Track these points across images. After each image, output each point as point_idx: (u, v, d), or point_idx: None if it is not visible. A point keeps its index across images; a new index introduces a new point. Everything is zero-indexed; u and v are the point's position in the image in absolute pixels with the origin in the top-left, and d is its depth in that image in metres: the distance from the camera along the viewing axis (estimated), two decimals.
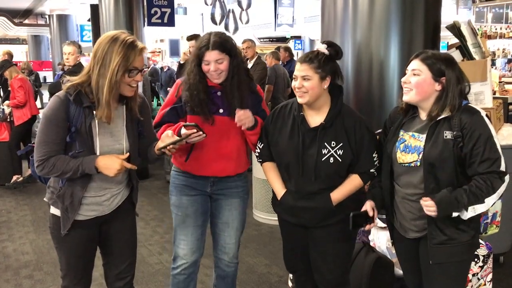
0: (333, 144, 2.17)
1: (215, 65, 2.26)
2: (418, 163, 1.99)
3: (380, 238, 3.01)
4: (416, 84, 1.99)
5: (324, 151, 2.16)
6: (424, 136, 2.01)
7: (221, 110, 2.34)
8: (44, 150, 1.95)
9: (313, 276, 2.41)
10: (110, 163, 1.95)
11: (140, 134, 2.17)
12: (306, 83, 2.12)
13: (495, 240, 2.96)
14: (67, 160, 1.94)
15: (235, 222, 2.52)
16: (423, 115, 2.05)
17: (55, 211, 2.09)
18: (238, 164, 2.45)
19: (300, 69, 2.14)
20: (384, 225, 2.95)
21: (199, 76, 2.30)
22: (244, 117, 2.26)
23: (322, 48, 2.17)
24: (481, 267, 2.75)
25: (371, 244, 3.00)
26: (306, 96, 2.14)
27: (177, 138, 2.07)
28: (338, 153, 2.16)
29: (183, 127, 2.15)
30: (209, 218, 2.55)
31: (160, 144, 2.08)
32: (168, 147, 2.05)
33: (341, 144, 2.17)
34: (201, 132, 2.13)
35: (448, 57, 2.04)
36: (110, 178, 2.03)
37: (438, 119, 1.98)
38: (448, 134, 1.94)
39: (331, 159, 2.16)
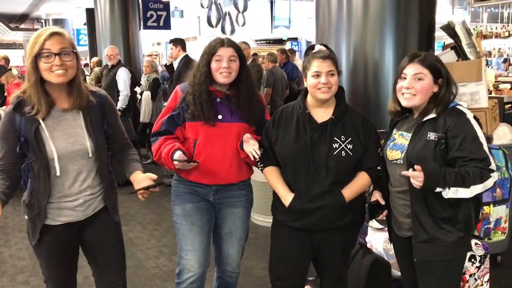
0: (343, 138, 2.16)
1: (228, 62, 2.24)
2: (402, 161, 2.03)
3: (377, 240, 3.01)
4: (421, 89, 1.98)
5: (335, 145, 2.15)
6: (411, 135, 2.04)
7: (219, 116, 2.29)
8: None
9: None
10: None
11: (107, 134, 2.07)
12: (332, 78, 2.15)
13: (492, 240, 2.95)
14: None
15: (238, 232, 2.46)
16: (416, 114, 2.07)
17: None
18: (240, 170, 2.37)
19: (324, 65, 2.14)
20: (380, 226, 2.95)
21: (205, 76, 2.27)
22: (252, 141, 2.26)
23: (323, 48, 2.24)
24: (478, 267, 2.74)
25: (368, 245, 3.00)
26: (330, 92, 2.16)
27: (152, 183, 2.00)
28: (349, 147, 2.16)
29: (174, 160, 2.15)
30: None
31: (136, 185, 2.03)
32: (140, 191, 2.00)
33: (350, 138, 2.17)
34: (192, 163, 2.18)
35: (438, 57, 2.08)
36: (72, 184, 1.99)
37: (424, 119, 1.99)
38: (431, 135, 1.95)
39: (343, 153, 2.14)
